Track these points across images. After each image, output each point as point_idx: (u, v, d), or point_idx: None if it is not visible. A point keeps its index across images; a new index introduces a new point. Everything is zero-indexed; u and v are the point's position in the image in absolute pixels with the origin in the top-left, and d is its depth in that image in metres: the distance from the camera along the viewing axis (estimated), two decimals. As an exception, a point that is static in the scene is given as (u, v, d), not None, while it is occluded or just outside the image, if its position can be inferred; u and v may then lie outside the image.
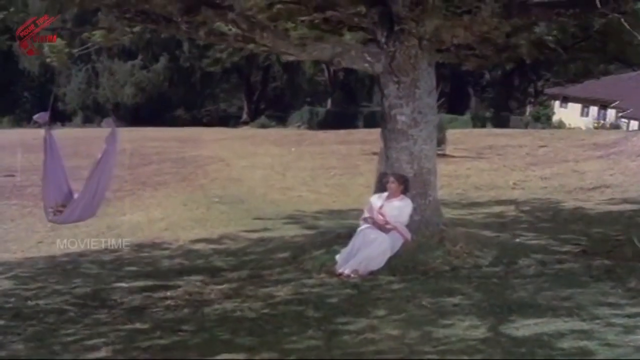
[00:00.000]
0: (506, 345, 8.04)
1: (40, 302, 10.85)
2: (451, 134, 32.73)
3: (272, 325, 9.18)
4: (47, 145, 11.29)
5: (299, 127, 68.63)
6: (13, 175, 23.95)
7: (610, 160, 23.09)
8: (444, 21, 10.94)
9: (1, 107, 67.40)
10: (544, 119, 64.07)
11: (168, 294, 10.83)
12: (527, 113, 69.17)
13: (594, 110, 62.63)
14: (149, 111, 70.03)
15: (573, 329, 8.50)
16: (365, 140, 34.17)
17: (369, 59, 11.67)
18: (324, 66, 63.63)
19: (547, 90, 64.45)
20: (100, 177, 11.19)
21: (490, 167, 24.56)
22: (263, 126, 67.08)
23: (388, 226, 11.25)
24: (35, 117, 11.05)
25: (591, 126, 59.84)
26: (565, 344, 7.98)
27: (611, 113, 61.22)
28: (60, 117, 62.13)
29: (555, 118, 64.12)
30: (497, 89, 75.51)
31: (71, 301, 10.83)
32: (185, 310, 10.07)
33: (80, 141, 33.14)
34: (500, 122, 60.51)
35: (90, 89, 72.02)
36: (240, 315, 9.71)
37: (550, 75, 61.57)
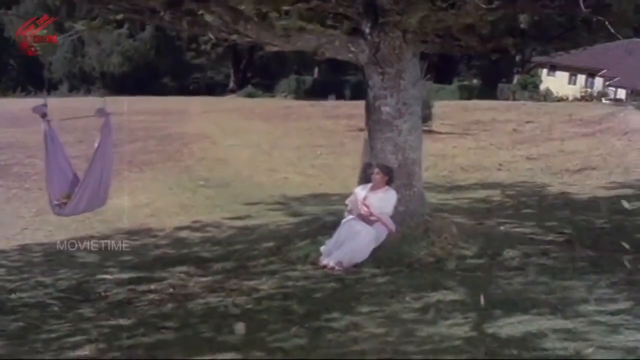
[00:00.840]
0: (490, 345, 8.03)
1: (24, 295, 10.82)
2: (438, 107, 32.61)
3: (256, 323, 9.16)
4: (48, 137, 11.13)
5: (285, 96, 68.50)
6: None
7: (596, 139, 23.13)
8: (429, 13, 10.85)
9: (-14, 76, 67.07)
10: (531, 88, 64.02)
11: (152, 287, 10.80)
12: (515, 81, 69.07)
13: (581, 78, 62.64)
14: (136, 80, 69.75)
15: (556, 327, 8.49)
16: (351, 115, 34.08)
17: (353, 49, 11.61)
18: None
19: (535, 59, 64.31)
20: (103, 166, 11.03)
21: (476, 145, 24.56)
22: (250, 95, 66.91)
23: (372, 218, 11.23)
24: (32, 108, 10.84)
25: (578, 95, 59.86)
26: (549, 344, 7.97)
27: (599, 81, 61.23)
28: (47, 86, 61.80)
29: (542, 86, 64.07)
30: (484, 58, 75.31)
31: (55, 294, 10.80)
32: (169, 305, 10.05)
33: (65, 114, 33.06)
34: (488, 92, 60.42)
35: (76, 58, 71.73)
36: (224, 311, 9.69)
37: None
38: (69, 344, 8.71)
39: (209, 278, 11.13)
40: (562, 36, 12.05)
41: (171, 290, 10.72)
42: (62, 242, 13.50)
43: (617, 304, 9.27)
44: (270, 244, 12.33)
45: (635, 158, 19.40)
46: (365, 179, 11.81)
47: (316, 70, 74.39)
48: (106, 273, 11.63)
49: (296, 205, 15.72)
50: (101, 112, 11.10)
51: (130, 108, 40.04)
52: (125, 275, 11.47)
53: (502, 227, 13.53)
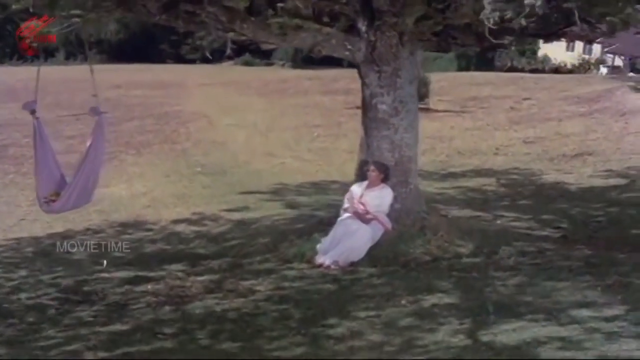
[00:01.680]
0: (485, 355, 8.09)
1: (23, 295, 10.86)
2: (435, 81, 32.40)
3: (253, 328, 9.22)
4: (37, 133, 11.15)
5: (283, 65, 68.21)
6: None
7: (593, 120, 23.11)
8: (425, 15, 10.84)
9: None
10: (529, 54, 63.76)
11: (149, 287, 10.86)
12: (513, 48, 68.71)
13: (579, 45, 62.39)
14: (133, 47, 69.43)
15: (551, 335, 8.56)
16: (348, 90, 33.93)
17: (349, 47, 11.61)
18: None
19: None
20: (93, 166, 11.08)
21: (473, 125, 24.56)
22: (247, 64, 66.67)
23: (369, 216, 11.25)
24: (23, 105, 10.81)
25: (576, 62, 59.63)
26: (544, 353, 8.03)
27: (597, 48, 61.00)
28: (43, 53, 61.44)
29: (540, 53, 63.82)
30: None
31: (53, 295, 10.85)
32: (167, 308, 10.09)
33: (62, 87, 32.91)
34: (486, 60, 60.18)
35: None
36: (221, 315, 9.75)
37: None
38: (67, 352, 8.75)
39: (205, 277, 11.16)
40: (559, 32, 12.03)
41: (168, 291, 10.71)
42: (61, 236, 13.50)
43: (612, 308, 9.31)
44: (267, 239, 12.37)
45: (631, 143, 19.41)
46: (361, 176, 11.82)
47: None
48: (103, 271, 11.61)
49: (293, 196, 15.73)
50: (94, 111, 11.11)
51: (128, 79, 40.06)
52: (123, 274, 11.51)
53: (498, 221, 13.57)
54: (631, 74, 52.96)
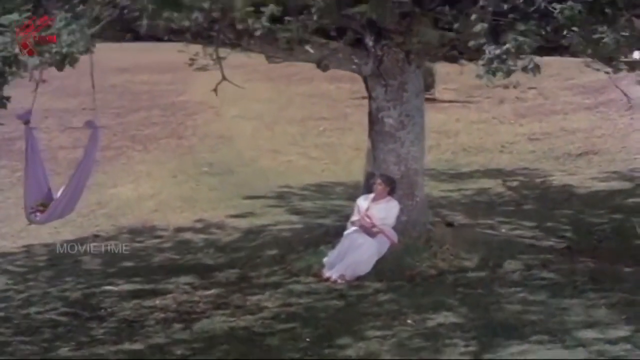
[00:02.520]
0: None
1: (33, 309, 10.98)
2: (441, 65, 32.10)
3: (261, 349, 9.36)
4: (29, 146, 11.21)
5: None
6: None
7: (598, 114, 23.05)
8: (432, 36, 10.89)
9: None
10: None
11: (157, 302, 10.98)
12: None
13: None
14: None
15: (556, 358, 8.68)
16: (354, 78, 33.89)
17: (356, 61, 11.67)
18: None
19: None
20: (80, 177, 11.18)
21: (479, 117, 24.50)
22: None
23: (375, 229, 11.35)
24: (17, 115, 10.82)
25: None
26: (548, 379, 8.16)
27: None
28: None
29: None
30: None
31: (63, 309, 10.98)
32: (175, 326, 10.22)
33: (68, 70, 32.79)
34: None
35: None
36: (230, 333, 9.91)
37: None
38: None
39: (213, 291, 11.30)
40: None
41: (176, 306, 10.86)
42: (67, 245, 13.59)
43: (617, 329, 9.43)
44: (274, 251, 12.49)
45: (637, 141, 19.42)
46: (368, 188, 11.91)
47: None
48: (111, 284, 11.75)
49: (299, 201, 15.82)
50: (90, 125, 11.18)
51: (134, 61, 39.84)
52: (131, 287, 11.63)
53: (503, 229, 13.64)
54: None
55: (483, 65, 8.70)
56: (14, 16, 8.34)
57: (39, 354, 9.67)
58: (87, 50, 8.74)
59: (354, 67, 11.76)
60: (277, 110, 26.19)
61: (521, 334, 9.41)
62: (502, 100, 26.16)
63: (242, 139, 21.94)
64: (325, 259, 11.55)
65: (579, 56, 10.50)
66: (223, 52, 11.81)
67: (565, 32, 8.75)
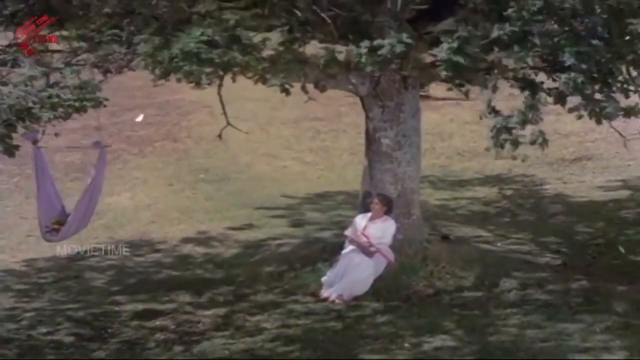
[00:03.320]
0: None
1: (42, 329, 11.15)
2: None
3: (262, 375, 9.53)
4: (37, 162, 11.41)
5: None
6: None
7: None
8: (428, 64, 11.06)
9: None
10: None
11: (158, 323, 11.12)
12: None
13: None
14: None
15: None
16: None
17: (353, 82, 11.75)
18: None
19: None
20: (92, 194, 11.47)
21: (472, 118, 24.44)
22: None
23: (372, 249, 11.48)
24: (23, 134, 10.91)
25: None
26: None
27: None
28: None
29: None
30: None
31: (67, 330, 11.11)
32: (177, 348, 10.37)
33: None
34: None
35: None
36: (230, 357, 10.02)
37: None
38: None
39: (212, 311, 11.45)
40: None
41: (177, 327, 11.02)
42: (67, 258, 13.72)
43: (611, 353, 9.60)
44: (272, 268, 12.62)
45: (630, 146, 19.50)
46: (365, 207, 12.03)
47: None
48: (113, 303, 11.88)
49: (296, 211, 15.94)
50: (97, 145, 11.39)
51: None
52: (132, 307, 11.75)
53: (499, 243, 13.77)
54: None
55: (492, 137, 8.83)
56: (28, 71, 8.50)
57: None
58: (99, 105, 8.89)
59: (351, 87, 11.85)
60: (271, 111, 26.17)
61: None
62: (496, 96, 26.20)
63: (237, 142, 21.94)
64: (323, 278, 11.71)
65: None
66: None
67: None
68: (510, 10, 8.71)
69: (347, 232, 11.74)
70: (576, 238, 14.08)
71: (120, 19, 10.02)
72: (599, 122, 9.21)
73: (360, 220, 11.86)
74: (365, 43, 9.30)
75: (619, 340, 9.98)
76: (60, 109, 8.43)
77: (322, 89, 11.89)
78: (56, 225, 11.68)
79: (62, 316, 11.62)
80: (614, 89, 8.99)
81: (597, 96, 9.08)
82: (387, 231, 11.69)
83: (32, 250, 14.53)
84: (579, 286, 11.71)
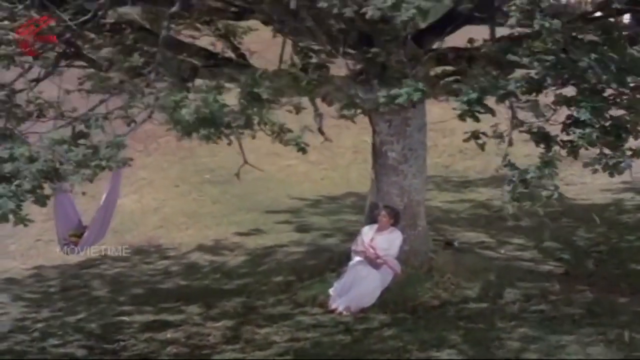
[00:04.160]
0: None
1: (51, 341, 11.35)
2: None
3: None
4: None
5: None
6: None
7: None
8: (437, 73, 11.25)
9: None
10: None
11: (169, 335, 11.32)
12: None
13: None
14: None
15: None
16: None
17: (360, 96, 11.88)
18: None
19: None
20: (108, 207, 11.73)
21: (474, 112, 24.71)
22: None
23: (379, 260, 11.65)
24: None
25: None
26: None
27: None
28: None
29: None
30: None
31: (78, 342, 11.34)
32: (189, 363, 10.58)
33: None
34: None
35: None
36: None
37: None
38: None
39: (222, 323, 11.65)
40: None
41: (188, 340, 11.23)
42: (77, 264, 13.92)
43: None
44: (279, 278, 12.86)
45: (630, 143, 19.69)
46: (372, 218, 12.22)
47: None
48: (123, 313, 12.08)
49: (302, 216, 16.14)
50: None
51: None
52: (142, 318, 11.96)
53: (502, 250, 13.96)
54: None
55: (508, 192, 9.00)
56: (53, 134, 8.71)
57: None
58: (125, 164, 9.10)
59: (358, 101, 11.97)
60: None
61: (522, 375, 9.79)
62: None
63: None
64: (331, 290, 11.89)
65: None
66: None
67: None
68: (525, 61, 8.83)
69: (354, 247, 11.89)
70: (578, 244, 14.26)
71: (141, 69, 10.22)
72: (612, 175, 9.36)
73: (367, 231, 12.04)
74: (383, 92, 9.37)
75: (622, 354, 10.10)
76: (88, 171, 8.63)
77: (330, 103, 12.05)
78: (74, 237, 11.94)
79: (73, 327, 11.85)
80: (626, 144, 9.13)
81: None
82: (394, 243, 11.87)
83: (42, 256, 14.77)
84: (582, 297, 11.90)
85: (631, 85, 8.88)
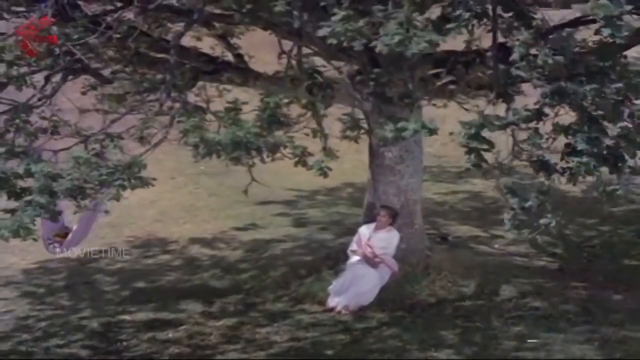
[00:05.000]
0: None
1: (53, 342, 11.51)
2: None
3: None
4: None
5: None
6: None
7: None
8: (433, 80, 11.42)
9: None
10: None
11: (170, 335, 11.51)
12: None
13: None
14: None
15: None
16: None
17: (358, 97, 12.03)
18: None
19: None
20: (94, 212, 11.76)
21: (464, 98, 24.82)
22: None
23: (377, 259, 11.79)
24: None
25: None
26: None
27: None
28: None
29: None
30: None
31: (82, 342, 11.51)
32: (192, 363, 10.77)
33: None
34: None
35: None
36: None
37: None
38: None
39: (223, 322, 11.84)
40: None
41: (189, 340, 11.42)
42: (78, 261, 14.06)
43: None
44: (277, 273, 13.04)
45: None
46: (369, 218, 12.38)
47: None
48: (125, 312, 12.25)
49: (299, 208, 16.30)
50: None
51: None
52: (143, 316, 12.14)
53: (496, 245, 14.15)
54: None
55: (509, 220, 9.16)
56: (83, 154, 8.86)
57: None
58: (148, 184, 9.26)
59: (355, 102, 12.12)
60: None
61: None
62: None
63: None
64: (329, 288, 12.05)
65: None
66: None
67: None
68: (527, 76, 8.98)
69: (351, 248, 12.04)
70: (571, 239, 14.46)
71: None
72: (611, 201, 9.55)
73: (365, 230, 12.18)
74: (390, 126, 9.53)
75: (617, 354, 10.34)
76: (112, 190, 8.82)
77: (328, 105, 12.18)
78: (58, 237, 12.14)
79: (75, 326, 12.02)
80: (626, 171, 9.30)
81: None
82: (392, 242, 12.01)
83: (42, 252, 14.73)
84: (576, 294, 12.13)
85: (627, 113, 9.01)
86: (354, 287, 11.77)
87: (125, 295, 12.95)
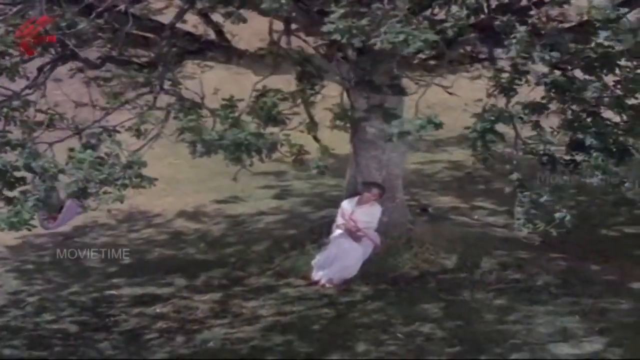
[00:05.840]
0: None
1: (43, 318, 11.71)
2: None
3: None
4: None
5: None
6: None
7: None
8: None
9: None
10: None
11: (158, 310, 11.69)
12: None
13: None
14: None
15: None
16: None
17: (340, 74, 12.11)
18: None
19: None
20: None
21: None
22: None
23: (360, 233, 12.00)
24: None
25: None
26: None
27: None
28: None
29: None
30: None
31: (71, 317, 11.73)
32: (179, 339, 10.99)
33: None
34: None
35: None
36: (233, 350, 10.72)
37: None
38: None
39: (209, 296, 12.02)
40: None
41: (177, 315, 11.61)
42: (66, 234, 14.16)
43: (591, 342, 10.44)
44: (261, 247, 13.23)
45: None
46: (351, 191, 12.56)
47: None
48: (114, 286, 12.45)
49: (279, 181, 16.40)
50: None
51: None
52: (130, 291, 12.30)
53: (476, 216, 14.38)
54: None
55: (519, 218, 9.29)
56: (85, 155, 8.94)
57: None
58: (151, 184, 9.37)
59: (337, 78, 12.20)
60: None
61: (502, 348, 10.32)
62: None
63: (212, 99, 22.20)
64: (313, 262, 12.25)
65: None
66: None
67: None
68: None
69: (337, 222, 12.22)
70: (549, 209, 14.61)
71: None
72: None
73: (347, 205, 12.37)
74: (394, 129, 9.63)
75: (598, 326, 10.64)
76: (115, 190, 8.92)
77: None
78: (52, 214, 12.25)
79: (65, 301, 12.17)
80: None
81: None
82: (374, 216, 12.23)
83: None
84: (556, 266, 12.36)
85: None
86: (338, 261, 11.99)
87: (112, 270, 13.05)
